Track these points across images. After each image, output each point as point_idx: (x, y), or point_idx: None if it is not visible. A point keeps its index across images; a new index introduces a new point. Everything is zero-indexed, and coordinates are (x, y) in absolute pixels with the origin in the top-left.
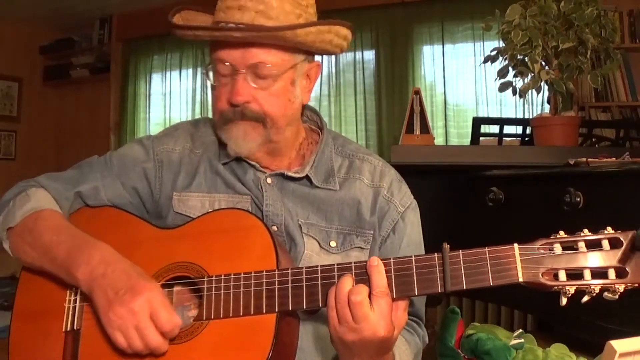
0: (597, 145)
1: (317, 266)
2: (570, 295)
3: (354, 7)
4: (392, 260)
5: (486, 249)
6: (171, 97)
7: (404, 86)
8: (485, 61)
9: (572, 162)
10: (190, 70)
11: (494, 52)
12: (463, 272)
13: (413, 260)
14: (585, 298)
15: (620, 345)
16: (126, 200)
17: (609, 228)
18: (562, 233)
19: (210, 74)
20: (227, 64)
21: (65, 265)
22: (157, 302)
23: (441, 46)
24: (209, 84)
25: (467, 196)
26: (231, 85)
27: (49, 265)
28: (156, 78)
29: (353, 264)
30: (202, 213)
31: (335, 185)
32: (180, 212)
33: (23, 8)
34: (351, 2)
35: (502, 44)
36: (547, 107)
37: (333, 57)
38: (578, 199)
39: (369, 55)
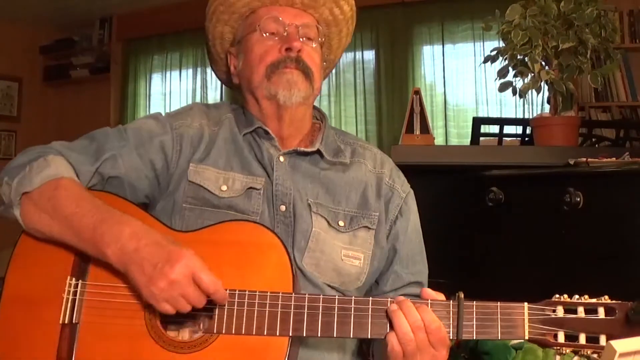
0: (597, 145)
1: (334, 296)
2: (564, 354)
3: None
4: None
5: (498, 304)
6: (171, 97)
7: (404, 86)
8: (485, 61)
9: (572, 162)
10: (190, 70)
11: (494, 52)
12: (474, 322)
13: (429, 304)
14: (576, 358)
15: (620, 345)
16: (142, 173)
17: (606, 297)
18: (565, 296)
19: (255, 29)
20: (280, 20)
21: (92, 241)
22: (197, 267)
23: (441, 46)
24: (209, 81)
25: (467, 196)
26: (285, 37)
27: (70, 237)
28: (156, 78)
29: (370, 299)
30: (215, 187)
31: (346, 159)
32: (194, 182)
33: (23, 8)
34: None
35: (502, 44)
36: (547, 107)
37: None
38: (578, 199)
39: (369, 55)
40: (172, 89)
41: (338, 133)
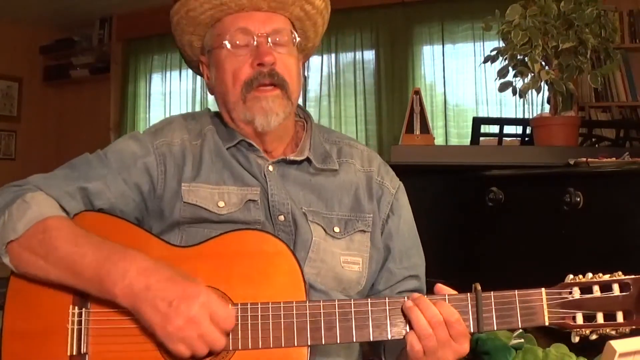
0: (597, 145)
1: (349, 300)
2: (584, 335)
3: (354, 7)
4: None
5: (516, 292)
6: (171, 97)
7: (404, 86)
8: (485, 61)
9: (572, 162)
10: (190, 70)
11: (494, 52)
12: (494, 313)
13: (446, 299)
14: (594, 336)
15: (620, 345)
16: (129, 198)
17: (619, 272)
18: (580, 277)
19: (224, 45)
20: (248, 30)
21: (96, 281)
22: (214, 303)
23: (441, 46)
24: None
25: (467, 196)
26: (255, 51)
27: (71, 279)
28: (156, 78)
29: (387, 300)
30: (212, 204)
31: (335, 165)
32: (190, 202)
33: (23, 8)
34: (351, 2)
35: (502, 44)
36: (547, 107)
37: (333, 57)
38: (578, 199)
39: (369, 55)
40: (172, 89)
41: (323, 132)
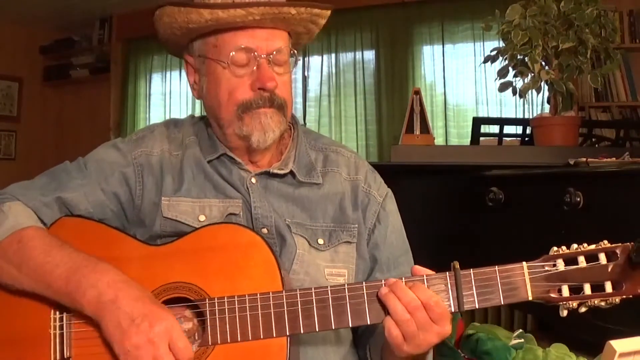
0: (597, 145)
1: (326, 287)
2: (572, 308)
3: (354, 7)
4: (403, 280)
5: (496, 267)
6: (171, 97)
7: (404, 86)
8: (485, 61)
9: (572, 162)
10: None
11: (494, 52)
12: (475, 291)
13: (425, 280)
14: (583, 309)
15: (620, 345)
16: (108, 208)
17: (605, 241)
18: (563, 248)
19: (224, 65)
20: (251, 50)
21: (66, 291)
22: (175, 332)
23: (441, 46)
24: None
25: (467, 196)
26: (256, 71)
27: (43, 290)
28: (156, 78)
29: (364, 284)
30: (193, 218)
31: (319, 179)
32: (170, 218)
33: (23, 8)
34: (351, 2)
35: (502, 44)
36: (547, 107)
37: (333, 57)
38: (578, 199)
39: (369, 55)
40: (172, 89)
41: (310, 138)
